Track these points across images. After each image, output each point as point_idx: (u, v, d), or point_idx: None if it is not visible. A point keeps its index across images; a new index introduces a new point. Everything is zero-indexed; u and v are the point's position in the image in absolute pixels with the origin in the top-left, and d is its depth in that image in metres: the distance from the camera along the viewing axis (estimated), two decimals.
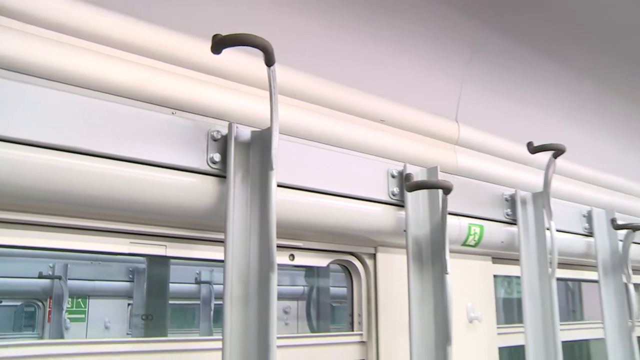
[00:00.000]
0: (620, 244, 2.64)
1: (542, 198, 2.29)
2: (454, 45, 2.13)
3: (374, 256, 1.99)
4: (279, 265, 1.84)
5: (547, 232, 2.26)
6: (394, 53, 2.02)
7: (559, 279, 2.68)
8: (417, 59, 2.09)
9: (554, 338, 2.20)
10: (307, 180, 1.66)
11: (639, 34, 2.30)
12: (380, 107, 1.99)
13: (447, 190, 1.76)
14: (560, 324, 2.27)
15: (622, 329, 2.58)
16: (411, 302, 1.82)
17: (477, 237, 2.14)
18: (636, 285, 3.31)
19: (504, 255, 2.34)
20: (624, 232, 2.65)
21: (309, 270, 2.39)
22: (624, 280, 2.60)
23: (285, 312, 2.47)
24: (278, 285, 1.47)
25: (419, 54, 2.09)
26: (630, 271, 2.60)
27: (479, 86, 2.27)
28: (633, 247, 2.69)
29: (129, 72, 1.41)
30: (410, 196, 1.87)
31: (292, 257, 1.85)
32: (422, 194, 1.91)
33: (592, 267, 2.64)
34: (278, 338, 1.76)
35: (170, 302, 2.55)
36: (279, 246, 1.72)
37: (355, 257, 1.98)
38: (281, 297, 2.49)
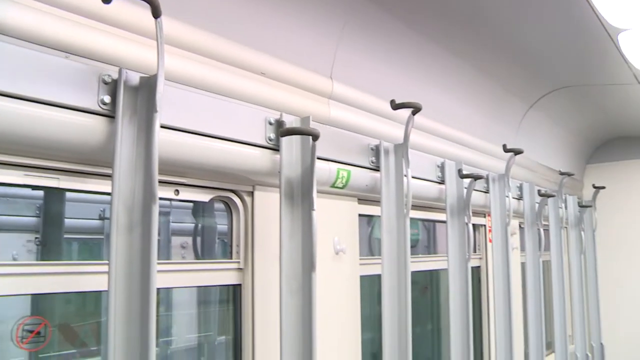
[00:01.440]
0: (465, 191, 3.08)
1: (402, 149, 2.63)
2: (331, 10, 2.37)
3: (251, 194, 2.23)
4: (166, 199, 2.07)
5: (405, 179, 2.61)
6: (277, 13, 2.22)
7: (416, 219, 3.08)
8: (297, 21, 2.31)
9: (405, 268, 2.58)
10: (191, 123, 1.85)
11: (480, 7, 2.65)
12: (262, 61, 2.19)
13: (315, 137, 2.03)
14: (411, 257, 2.66)
15: (461, 261, 3.05)
16: (282, 235, 2.10)
17: (344, 180, 2.44)
18: (474, 226, 3.84)
19: (368, 197, 2.68)
20: (468, 180, 3.08)
21: (198, 208, 2.61)
22: (466, 220, 3.04)
23: (183, 247, 2.69)
24: (175, 222, 1.68)
25: (300, 16, 2.30)
26: (471, 213, 3.06)
27: (352, 48, 2.53)
28: (474, 193, 3.14)
29: (27, 16, 1.51)
30: (284, 141, 2.12)
31: (177, 192, 2.05)
32: (295, 140, 2.16)
33: (443, 209, 3.06)
34: (163, 264, 2.00)
35: (76, 236, 2.68)
36: (164, 182, 1.95)
37: (235, 194, 2.22)
38: (180, 233, 2.71)
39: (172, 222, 2.71)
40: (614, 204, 5.92)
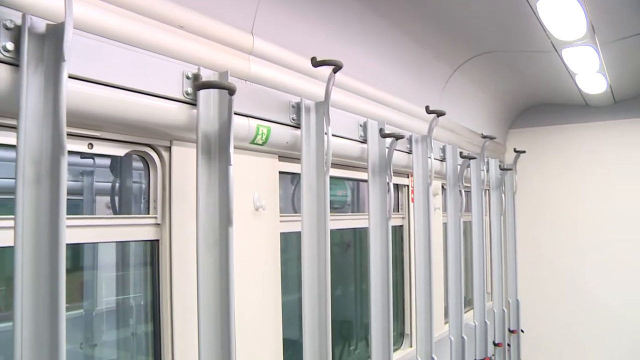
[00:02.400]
0: (387, 150, 3.15)
1: (323, 107, 2.65)
2: None
3: (169, 149, 2.21)
4: (79, 153, 2.02)
5: (325, 136, 2.64)
6: None
7: (337, 178, 3.14)
8: None
9: (325, 225, 2.63)
10: (104, 75, 1.81)
11: None
12: (180, 13, 2.14)
13: (232, 91, 2.03)
14: (332, 215, 2.72)
15: (382, 219, 3.13)
16: (199, 190, 2.10)
17: (264, 137, 2.45)
18: (397, 186, 3.95)
19: (289, 154, 2.70)
20: (390, 140, 3.15)
21: (116, 163, 2.56)
22: (387, 180, 3.12)
23: (108, 207, 2.65)
24: (98, 182, 1.64)
25: None
26: (392, 173, 3.14)
27: (275, 4, 2.51)
28: (397, 154, 3.22)
29: None
30: (201, 96, 2.10)
31: (90, 145, 2.01)
32: (213, 95, 2.15)
33: (365, 169, 3.12)
34: (74, 218, 1.96)
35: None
36: (76, 135, 1.90)
37: (152, 149, 2.19)
38: (103, 192, 2.67)
39: (97, 182, 2.67)
40: (533, 168, 6.20)
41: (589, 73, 4.77)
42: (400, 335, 4.12)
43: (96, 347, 2.69)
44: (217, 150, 2.14)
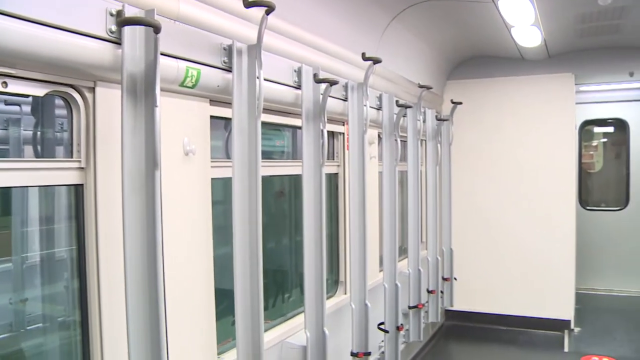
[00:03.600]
0: (321, 97, 3.13)
1: (255, 50, 2.60)
2: None
3: (93, 90, 2.12)
4: None
5: (258, 81, 2.59)
6: None
7: (270, 124, 3.11)
8: None
9: (256, 171, 2.61)
10: (17, 8, 1.70)
11: None
12: None
13: (156, 29, 1.95)
14: (264, 161, 2.70)
15: (316, 166, 3.14)
16: (124, 132, 2.04)
17: (194, 80, 2.39)
18: (333, 133, 3.97)
19: (220, 98, 2.64)
20: (324, 87, 3.13)
21: (37, 104, 2.45)
22: (321, 127, 3.12)
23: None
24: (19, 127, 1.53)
25: None
26: (326, 119, 3.13)
27: None
28: (333, 101, 3.20)
29: None
30: (126, 34, 2.01)
31: (4, 84, 1.90)
32: (140, 33, 2.06)
33: (300, 115, 3.10)
34: None
35: None
36: None
37: (75, 89, 2.10)
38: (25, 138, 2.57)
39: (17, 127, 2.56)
40: (470, 119, 6.33)
41: (525, 26, 4.85)
42: (335, 283, 4.20)
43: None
44: (143, 92, 2.07)
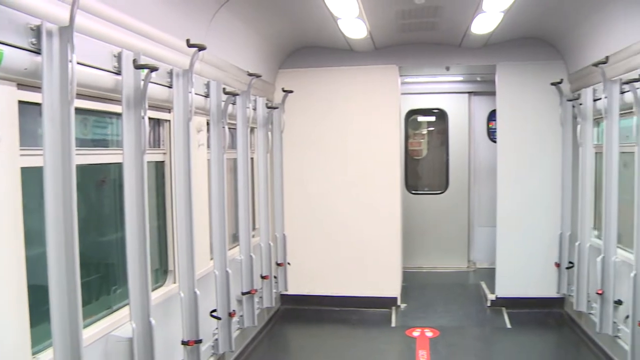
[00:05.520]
0: (142, 83, 3.05)
1: (67, 32, 2.45)
2: None
3: None
4: None
5: (70, 64, 2.46)
6: None
7: (87, 110, 2.97)
8: None
9: (70, 159, 2.49)
10: None
11: None
12: None
13: None
14: (79, 149, 2.56)
15: (137, 154, 3.06)
16: None
17: None
18: (159, 121, 3.89)
19: (31, 82, 2.46)
20: (146, 72, 3.05)
21: None
22: (142, 114, 3.04)
23: None
24: None
25: None
26: (147, 106, 3.06)
27: None
28: (158, 88, 3.13)
29: None
30: None
31: None
32: None
33: (120, 101, 2.99)
34: None
35: None
36: None
37: None
38: None
39: None
40: (301, 107, 6.51)
41: (350, 18, 5.10)
42: (165, 272, 4.12)
43: None
44: None
